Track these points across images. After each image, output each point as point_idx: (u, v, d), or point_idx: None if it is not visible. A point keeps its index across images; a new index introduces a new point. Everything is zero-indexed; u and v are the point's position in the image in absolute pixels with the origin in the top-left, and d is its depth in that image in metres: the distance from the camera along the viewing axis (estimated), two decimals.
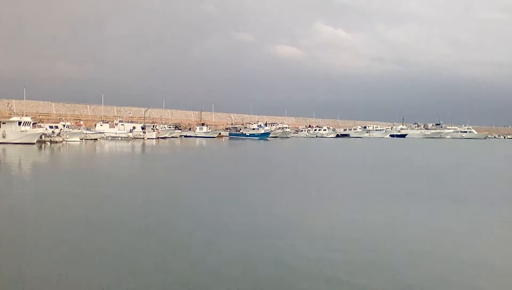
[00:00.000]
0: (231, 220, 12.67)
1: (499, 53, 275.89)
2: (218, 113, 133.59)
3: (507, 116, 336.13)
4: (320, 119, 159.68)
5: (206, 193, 18.20)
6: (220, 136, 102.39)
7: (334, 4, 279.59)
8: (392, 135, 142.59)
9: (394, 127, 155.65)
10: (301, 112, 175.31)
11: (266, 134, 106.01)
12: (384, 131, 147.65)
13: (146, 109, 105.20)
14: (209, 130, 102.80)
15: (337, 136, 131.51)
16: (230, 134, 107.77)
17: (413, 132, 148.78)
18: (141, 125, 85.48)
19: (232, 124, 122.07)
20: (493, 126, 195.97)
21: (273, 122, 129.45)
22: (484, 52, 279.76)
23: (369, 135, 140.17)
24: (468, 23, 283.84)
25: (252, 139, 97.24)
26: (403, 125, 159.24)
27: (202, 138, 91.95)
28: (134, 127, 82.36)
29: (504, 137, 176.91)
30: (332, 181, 24.11)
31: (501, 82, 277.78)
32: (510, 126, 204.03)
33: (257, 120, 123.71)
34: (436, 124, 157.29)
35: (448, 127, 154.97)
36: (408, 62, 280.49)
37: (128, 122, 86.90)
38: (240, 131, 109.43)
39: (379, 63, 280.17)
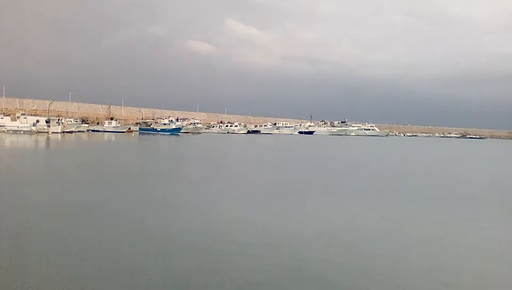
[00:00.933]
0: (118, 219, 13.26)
1: (403, 55, 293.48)
2: (128, 108, 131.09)
3: (407, 114, 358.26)
4: (231, 115, 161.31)
5: (103, 190, 18.50)
6: (130, 131, 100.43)
7: (246, 2, 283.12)
8: (300, 132, 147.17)
9: (302, 124, 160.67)
10: (213, 108, 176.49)
11: (177, 130, 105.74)
12: (293, 128, 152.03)
13: (51, 101, 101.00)
14: (118, 125, 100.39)
15: (248, 132, 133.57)
16: (140, 129, 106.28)
17: (320, 129, 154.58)
18: (46, 118, 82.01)
19: (142, 119, 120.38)
20: (394, 124, 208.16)
21: (185, 118, 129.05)
22: (389, 54, 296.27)
23: (279, 131, 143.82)
24: (376, 25, 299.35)
25: (163, 134, 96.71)
26: (311, 123, 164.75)
27: (111, 133, 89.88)
28: (38, 121, 78.81)
29: (404, 135, 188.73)
30: (236, 176, 25.17)
31: (403, 83, 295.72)
32: (409, 125, 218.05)
33: (168, 115, 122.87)
34: (342, 122, 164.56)
35: (352, 125, 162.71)
36: (318, 61, 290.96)
37: (31, 115, 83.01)
38: (151, 126, 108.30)
39: (289, 62, 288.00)
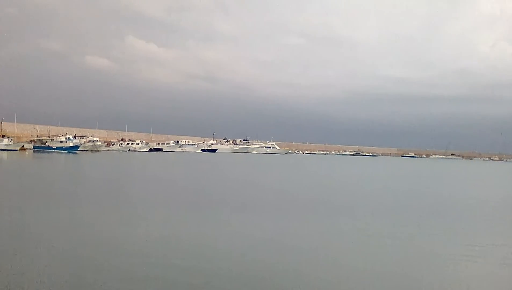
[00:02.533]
0: None
1: (300, 76, 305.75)
2: (22, 124, 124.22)
3: (305, 133, 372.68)
4: (133, 133, 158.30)
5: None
6: (23, 149, 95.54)
7: (145, 18, 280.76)
8: (203, 150, 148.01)
9: (205, 142, 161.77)
10: (114, 125, 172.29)
11: (75, 148, 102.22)
12: (196, 145, 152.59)
13: None
14: (10, 143, 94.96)
15: (150, 150, 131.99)
16: (34, 147, 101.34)
17: (223, 147, 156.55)
18: None
19: (37, 136, 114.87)
20: (293, 142, 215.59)
21: (83, 135, 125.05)
22: (286, 74, 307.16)
23: (182, 149, 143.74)
24: (272, 46, 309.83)
25: (59, 152, 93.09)
26: (213, 140, 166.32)
27: (2, 151, 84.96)
28: None
29: (303, 153, 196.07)
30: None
31: (301, 103, 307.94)
32: (307, 143, 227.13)
33: (65, 133, 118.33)
34: (244, 140, 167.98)
35: (254, 143, 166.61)
36: (219, 80, 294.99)
37: None
38: (46, 143, 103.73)
39: (191, 80, 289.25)
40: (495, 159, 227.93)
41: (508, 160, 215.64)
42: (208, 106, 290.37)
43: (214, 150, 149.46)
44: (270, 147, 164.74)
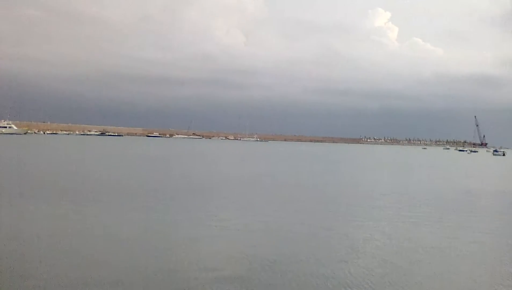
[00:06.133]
0: None
1: (38, 50, 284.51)
2: None
3: (46, 112, 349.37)
4: None
5: None
6: None
7: None
8: None
9: None
10: None
11: None
12: None
13: None
14: None
15: None
16: None
17: None
18: None
19: None
20: (33, 122, 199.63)
21: None
22: (24, 48, 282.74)
23: None
24: (6, 16, 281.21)
25: None
26: None
27: None
28: None
29: (44, 133, 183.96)
30: None
31: (38, 78, 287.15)
32: (49, 122, 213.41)
33: None
34: None
35: None
36: None
37: None
38: None
39: None
40: (231, 138, 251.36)
41: (242, 139, 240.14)
42: None
43: None
44: (6, 127, 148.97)
